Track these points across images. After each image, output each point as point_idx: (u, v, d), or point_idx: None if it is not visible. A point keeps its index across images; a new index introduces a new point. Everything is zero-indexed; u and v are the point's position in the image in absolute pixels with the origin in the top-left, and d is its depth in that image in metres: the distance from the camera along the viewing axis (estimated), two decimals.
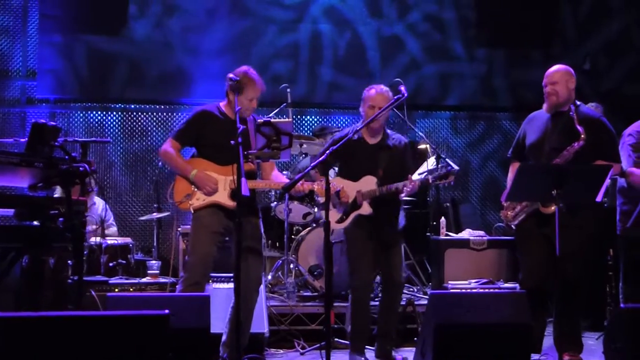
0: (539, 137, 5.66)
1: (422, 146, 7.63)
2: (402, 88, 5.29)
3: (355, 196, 5.70)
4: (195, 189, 5.46)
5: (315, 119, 9.49)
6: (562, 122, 5.58)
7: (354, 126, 5.95)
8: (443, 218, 7.64)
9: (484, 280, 6.84)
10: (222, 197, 5.42)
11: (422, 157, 7.38)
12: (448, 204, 9.07)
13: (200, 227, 5.47)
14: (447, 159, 7.31)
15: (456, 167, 7.40)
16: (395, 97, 5.24)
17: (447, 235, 7.52)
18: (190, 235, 5.59)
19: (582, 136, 5.39)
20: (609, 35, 9.78)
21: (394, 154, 5.82)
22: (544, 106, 5.71)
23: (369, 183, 5.70)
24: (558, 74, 5.64)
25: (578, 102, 5.66)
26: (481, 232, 7.52)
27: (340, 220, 5.70)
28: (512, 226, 5.78)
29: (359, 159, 5.66)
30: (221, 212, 5.46)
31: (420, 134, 7.83)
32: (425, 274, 8.03)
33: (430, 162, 7.69)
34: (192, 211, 5.51)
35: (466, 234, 7.49)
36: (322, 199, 5.74)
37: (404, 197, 5.73)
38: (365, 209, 5.69)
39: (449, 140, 9.82)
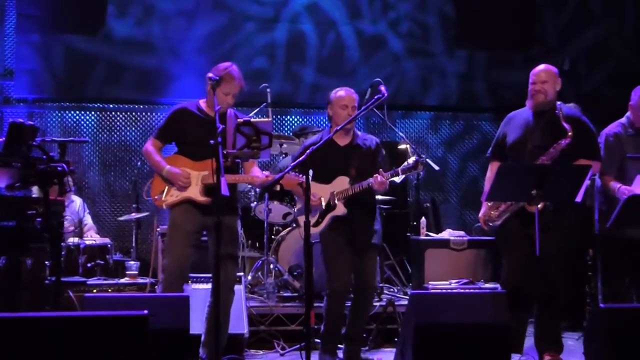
0: (521, 136, 5.63)
1: (403, 146, 7.63)
2: (382, 88, 5.29)
3: (329, 197, 5.71)
4: (170, 185, 5.47)
5: (297, 119, 9.42)
6: (545, 121, 5.57)
7: (324, 130, 5.97)
8: (423, 218, 7.59)
9: (465, 281, 6.79)
10: (194, 192, 5.39)
11: (402, 157, 7.38)
12: (428, 205, 9.00)
13: (174, 227, 5.45)
14: (427, 159, 7.35)
15: (437, 167, 7.44)
16: (376, 97, 5.18)
17: (427, 235, 7.48)
18: (166, 235, 5.63)
19: (569, 133, 5.39)
20: (589, 41, 9.78)
21: (365, 154, 5.79)
22: (528, 104, 5.68)
23: (342, 183, 5.70)
24: (547, 73, 5.63)
25: (558, 103, 5.61)
26: (461, 233, 7.47)
27: (316, 224, 5.67)
28: (491, 225, 5.64)
29: (331, 161, 5.63)
30: (195, 209, 5.42)
31: (401, 134, 7.83)
32: (406, 274, 7.97)
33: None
34: (166, 208, 5.50)
35: (446, 234, 7.44)
36: (300, 203, 5.76)
37: (379, 191, 5.66)
38: (340, 209, 5.69)
39: (429, 141, 9.84)
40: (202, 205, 5.38)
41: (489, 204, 5.68)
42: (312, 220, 5.62)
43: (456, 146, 9.78)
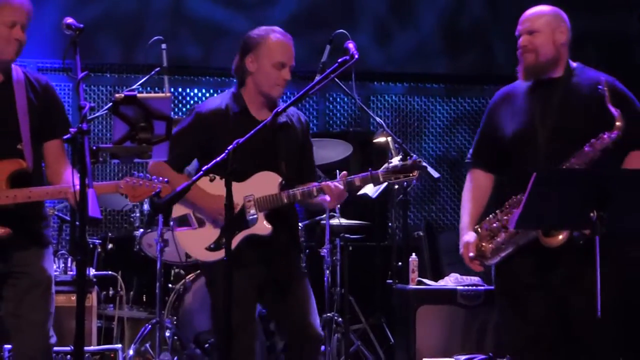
0: (526, 122, 5.45)
1: (381, 139, 7.40)
2: (351, 46, 5.12)
3: (244, 205, 5.42)
4: None
5: (213, 92, 9.54)
6: (550, 96, 5.44)
7: (226, 94, 5.73)
8: (414, 255, 7.48)
9: (481, 357, 6.83)
10: None
11: (381, 156, 7.17)
12: (421, 233, 8.96)
13: None
14: (422, 161, 7.21)
15: (436, 174, 7.33)
16: (341, 60, 5.07)
17: (420, 283, 7.40)
18: None
19: (618, 124, 5.08)
20: None
21: (297, 138, 5.65)
22: (519, 71, 5.51)
23: (267, 183, 5.46)
24: (541, 19, 5.47)
25: (574, 64, 5.47)
26: (475, 279, 7.29)
27: (216, 247, 5.45)
28: (486, 263, 5.45)
29: (247, 145, 5.02)
30: None
31: (378, 119, 7.66)
32: (385, 346, 8.00)
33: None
34: None
35: (451, 280, 7.36)
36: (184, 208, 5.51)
37: (330, 205, 5.59)
38: (261, 225, 5.43)
39: (424, 129, 9.76)
40: None
41: (479, 229, 5.45)
42: (210, 239, 5.54)
43: (466, 137, 9.91)
